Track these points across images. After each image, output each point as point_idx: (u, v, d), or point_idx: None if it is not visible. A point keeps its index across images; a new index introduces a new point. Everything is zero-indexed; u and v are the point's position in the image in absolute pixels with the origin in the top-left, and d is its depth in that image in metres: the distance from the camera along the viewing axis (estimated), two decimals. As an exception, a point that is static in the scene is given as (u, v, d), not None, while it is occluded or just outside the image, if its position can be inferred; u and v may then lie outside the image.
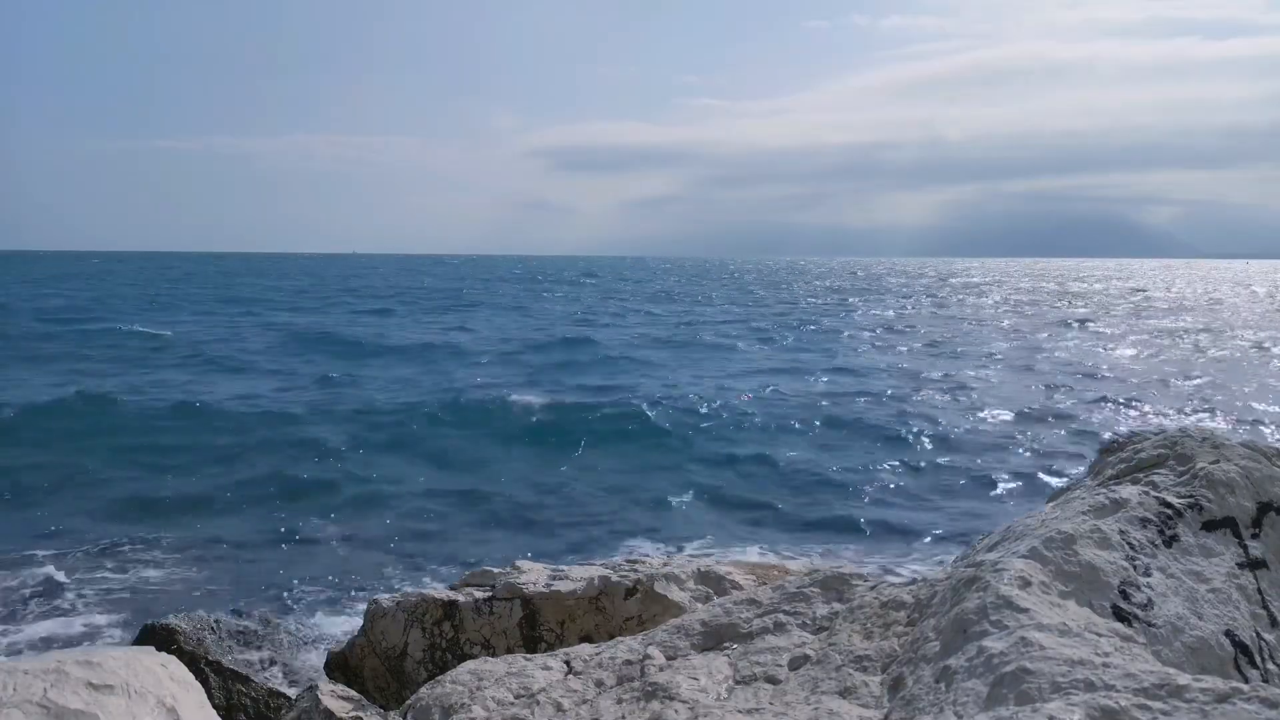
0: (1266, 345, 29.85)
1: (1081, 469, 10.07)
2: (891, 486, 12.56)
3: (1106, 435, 13.55)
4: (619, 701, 2.59)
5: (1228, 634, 2.46)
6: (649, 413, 16.62)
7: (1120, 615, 2.38)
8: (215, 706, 3.35)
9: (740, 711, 2.37)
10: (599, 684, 2.74)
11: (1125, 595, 2.45)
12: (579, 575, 4.30)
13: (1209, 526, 2.76)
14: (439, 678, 3.03)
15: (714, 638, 2.87)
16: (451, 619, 4.25)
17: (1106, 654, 1.99)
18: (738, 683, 2.57)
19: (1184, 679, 1.78)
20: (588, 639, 3.73)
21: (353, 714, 3.32)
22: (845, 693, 2.37)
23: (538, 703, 2.70)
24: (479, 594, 4.32)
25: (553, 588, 4.21)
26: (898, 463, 13.75)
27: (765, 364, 24.90)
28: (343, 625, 7.24)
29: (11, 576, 8.83)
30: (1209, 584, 2.59)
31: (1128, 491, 2.88)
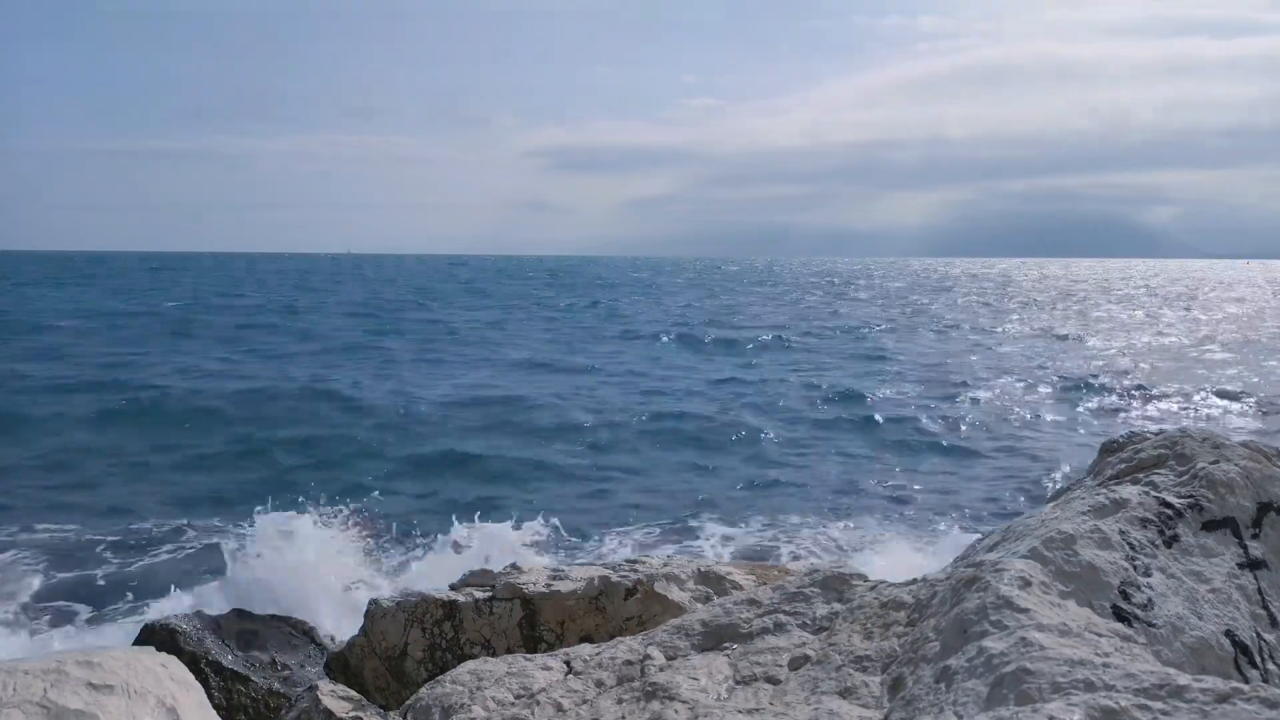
0: None
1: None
2: None
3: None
4: (619, 701, 2.59)
5: (1228, 634, 2.46)
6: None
7: (1120, 615, 2.38)
8: (215, 706, 3.36)
9: (740, 712, 2.38)
10: (599, 684, 2.74)
11: (1125, 595, 2.45)
12: (579, 575, 4.30)
13: (1209, 527, 2.76)
14: (439, 678, 3.03)
15: (714, 638, 2.87)
16: (451, 619, 4.25)
17: (1107, 654, 1.99)
18: (738, 683, 2.57)
19: (1184, 679, 1.78)
20: (588, 639, 3.73)
21: (353, 714, 3.32)
22: (845, 693, 2.37)
23: (538, 703, 2.70)
24: (479, 594, 4.32)
25: (553, 588, 4.21)
26: None
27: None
28: (343, 625, 7.24)
29: (10, 574, 8.83)
30: (1209, 584, 2.59)
31: (1128, 491, 2.88)
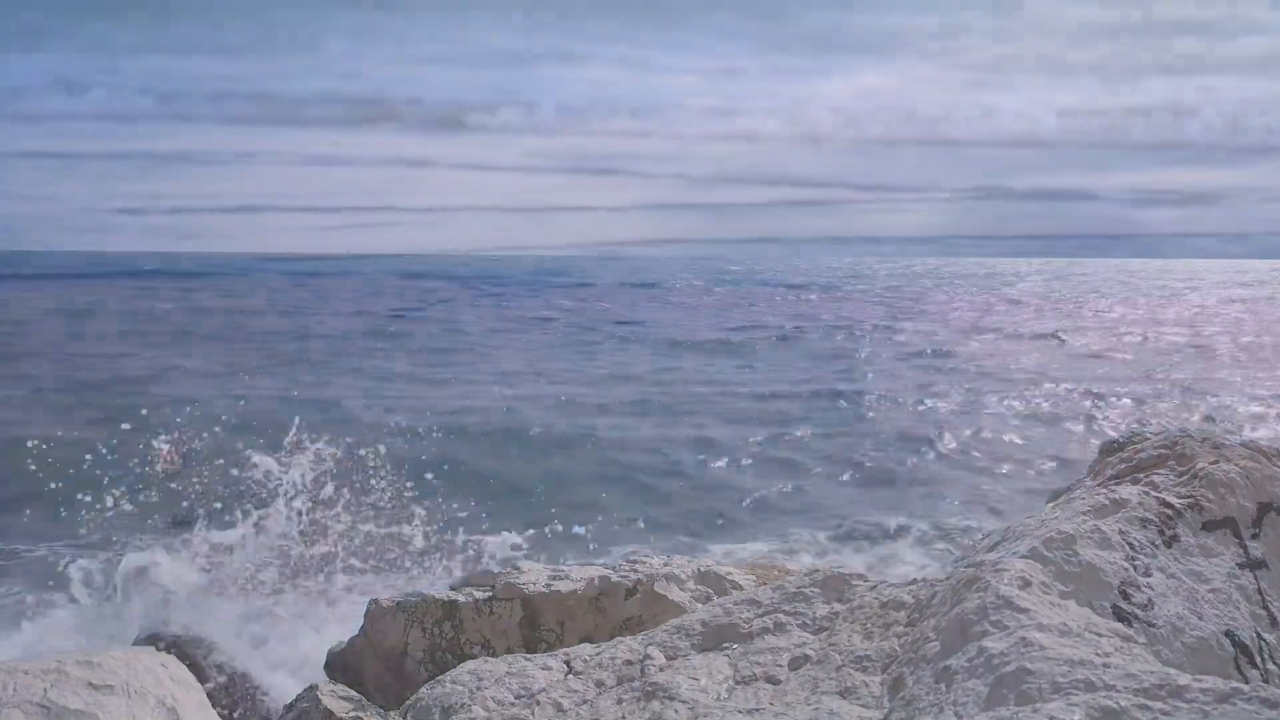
0: None
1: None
2: None
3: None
4: (619, 701, 2.59)
5: (1228, 634, 2.46)
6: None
7: (1120, 615, 2.38)
8: (215, 706, 3.36)
9: (740, 711, 2.37)
10: (599, 684, 2.74)
11: (1125, 595, 2.45)
12: (579, 575, 4.31)
13: (1209, 527, 2.76)
14: (439, 678, 3.03)
15: (714, 638, 2.87)
16: (451, 619, 4.25)
17: (1107, 654, 1.99)
18: (738, 683, 2.57)
19: (1184, 679, 1.78)
20: (588, 639, 3.73)
21: (353, 714, 3.32)
22: (845, 693, 2.37)
23: (538, 703, 2.70)
24: (479, 594, 4.32)
25: (553, 588, 4.21)
26: None
27: None
28: (343, 625, 7.24)
29: (10, 574, 8.84)
30: (1209, 584, 2.59)
31: (1128, 492, 2.88)
